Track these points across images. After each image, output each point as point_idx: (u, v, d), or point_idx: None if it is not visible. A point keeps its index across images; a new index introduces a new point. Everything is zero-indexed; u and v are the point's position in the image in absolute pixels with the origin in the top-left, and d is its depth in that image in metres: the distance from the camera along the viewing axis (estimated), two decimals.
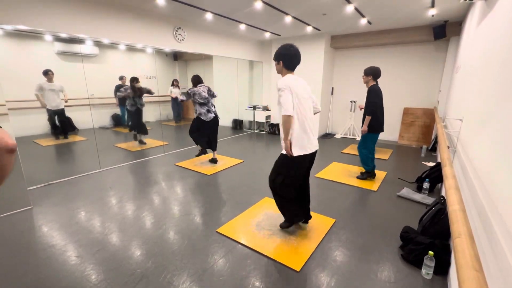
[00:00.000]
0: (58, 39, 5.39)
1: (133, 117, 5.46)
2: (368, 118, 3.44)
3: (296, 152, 2.04)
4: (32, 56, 5.52)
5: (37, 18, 3.12)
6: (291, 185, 2.21)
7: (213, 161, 4.47)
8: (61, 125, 5.61)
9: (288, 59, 2.09)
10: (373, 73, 3.42)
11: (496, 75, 1.48)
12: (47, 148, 5.28)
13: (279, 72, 2.17)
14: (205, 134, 4.25)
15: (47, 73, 5.04)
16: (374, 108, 3.40)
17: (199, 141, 4.29)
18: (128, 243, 2.23)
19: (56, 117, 5.43)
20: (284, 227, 2.43)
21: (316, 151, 2.20)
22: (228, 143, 6.00)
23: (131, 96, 5.17)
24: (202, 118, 4.12)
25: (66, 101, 5.34)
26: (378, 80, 3.49)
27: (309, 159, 2.18)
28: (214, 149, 4.42)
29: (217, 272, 1.89)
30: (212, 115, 4.16)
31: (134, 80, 5.15)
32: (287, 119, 1.96)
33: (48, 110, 5.26)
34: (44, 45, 5.71)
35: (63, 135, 5.78)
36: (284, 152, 2.10)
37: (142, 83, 5.21)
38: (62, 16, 3.32)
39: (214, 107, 4.26)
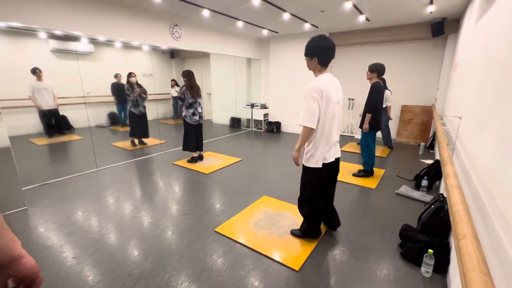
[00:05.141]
0: (53, 36, 5.31)
1: (138, 120, 5.10)
2: (368, 116, 3.42)
3: (313, 163, 1.96)
4: (26, 54, 5.43)
5: (31, 15, 3.06)
6: (316, 195, 2.10)
7: (200, 157, 4.45)
8: (56, 124, 5.53)
9: (323, 53, 1.83)
10: (378, 70, 3.38)
11: (497, 72, 1.46)
12: (42, 147, 5.21)
13: (311, 68, 1.95)
14: (192, 137, 4.19)
15: (35, 72, 4.92)
16: (374, 106, 3.38)
17: (191, 146, 4.24)
18: (125, 244, 2.20)
19: (50, 117, 5.36)
20: (296, 235, 2.29)
21: (337, 158, 2.09)
22: (226, 142, 5.96)
23: (130, 95, 4.88)
24: (187, 120, 4.08)
25: (57, 104, 5.23)
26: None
27: (327, 168, 2.03)
28: (201, 149, 4.41)
29: (215, 272, 1.88)
30: (197, 118, 4.09)
31: (130, 75, 4.88)
32: (308, 131, 1.85)
33: (41, 111, 5.18)
34: (38, 43, 5.62)
35: (58, 133, 5.71)
36: (304, 162, 2.03)
37: (139, 81, 5.10)
38: (57, 13, 3.26)
39: (200, 108, 4.16)
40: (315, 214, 2.16)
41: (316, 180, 2.04)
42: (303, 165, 2.06)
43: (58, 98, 5.48)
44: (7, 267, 0.53)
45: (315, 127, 1.86)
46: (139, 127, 5.23)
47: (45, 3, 3.15)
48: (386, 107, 4.93)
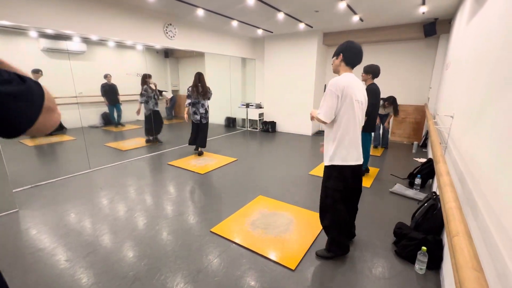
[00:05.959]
0: (44, 35, 5.22)
1: (155, 118, 5.34)
2: (364, 119, 3.44)
3: (336, 161, 1.84)
4: (16, 53, 5.32)
5: (21, 13, 3.00)
6: (339, 202, 1.94)
7: (199, 153, 4.78)
8: None
9: (350, 53, 1.82)
10: (373, 72, 3.40)
11: (488, 72, 1.49)
12: (33, 148, 5.12)
13: (335, 70, 1.91)
14: (193, 133, 4.66)
15: (37, 72, 4.85)
16: (371, 109, 3.41)
17: (190, 141, 4.74)
18: (120, 245, 2.17)
19: None
20: (322, 255, 2.05)
21: (359, 165, 1.92)
22: (221, 141, 5.95)
23: (151, 95, 5.10)
24: (191, 118, 4.50)
25: None
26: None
27: (351, 172, 1.90)
28: (199, 145, 4.74)
29: (211, 273, 1.87)
30: (198, 117, 4.44)
31: (150, 77, 5.10)
32: (321, 121, 1.86)
33: None
34: (28, 42, 5.51)
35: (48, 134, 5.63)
36: (326, 163, 1.91)
37: (132, 80, 5.09)
38: (48, 11, 3.20)
39: (204, 109, 4.47)
40: (338, 224, 1.96)
41: (339, 184, 1.89)
42: (325, 168, 1.93)
43: None
44: None
45: (329, 121, 1.82)
46: (154, 124, 5.41)
47: (36, 1, 3.09)
48: (388, 114, 5.09)
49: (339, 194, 1.91)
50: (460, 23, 3.40)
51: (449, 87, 3.32)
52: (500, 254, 0.84)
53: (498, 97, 1.19)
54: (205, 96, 4.37)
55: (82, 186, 3.36)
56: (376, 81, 3.54)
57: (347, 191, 1.94)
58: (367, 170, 3.78)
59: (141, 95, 5.04)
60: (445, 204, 1.10)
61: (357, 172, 1.95)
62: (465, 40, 2.66)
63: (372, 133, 3.67)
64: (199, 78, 4.31)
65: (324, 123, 1.87)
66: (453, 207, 1.00)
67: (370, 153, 4.82)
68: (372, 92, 3.40)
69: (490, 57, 1.49)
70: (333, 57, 1.92)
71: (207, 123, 4.58)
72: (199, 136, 4.61)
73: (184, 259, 2.00)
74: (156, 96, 5.20)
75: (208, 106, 4.54)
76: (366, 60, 3.51)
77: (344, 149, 1.83)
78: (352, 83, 1.79)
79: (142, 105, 5.12)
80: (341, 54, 1.83)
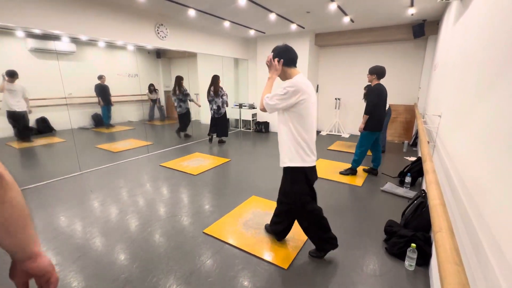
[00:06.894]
0: (31, 35, 5.10)
1: (188, 117, 5.98)
2: (365, 117, 3.50)
3: (298, 162, 1.79)
4: (1, 54, 5.19)
5: (7, 13, 2.93)
6: (309, 202, 1.92)
7: (220, 141, 5.76)
8: (23, 128, 5.16)
9: (284, 52, 1.76)
10: (377, 72, 3.48)
11: (474, 72, 1.54)
12: (21, 151, 5.00)
13: (286, 77, 1.83)
14: (210, 124, 5.60)
15: (12, 76, 4.63)
16: (371, 108, 3.47)
17: (210, 131, 5.66)
18: (111, 248, 2.15)
19: (17, 120, 4.99)
20: (315, 256, 2.06)
21: (315, 166, 1.91)
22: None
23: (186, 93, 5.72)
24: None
25: (30, 111, 4.96)
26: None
27: (313, 171, 1.90)
28: (219, 136, 5.66)
29: (204, 274, 1.87)
30: (212, 112, 5.40)
31: (182, 78, 5.62)
32: (262, 105, 1.81)
33: (7, 112, 4.86)
34: (15, 42, 5.38)
35: (27, 138, 5.35)
36: (285, 164, 1.84)
37: (125, 81, 5.04)
38: (35, 11, 3.13)
39: (216, 106, 5.30)
40: (316, 223, 1.94)
41: (306, 187, 1.88)
42: (289, 171, 1.87)
43: (38, 99, 5.26)
44: (24, 263, 0.59)
45: (269, 111, 1.80)
46: (188, 121, 6.09)
47: (23, 0, 3.02)
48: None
49: (308, 198, 1.90)
50: (447, 24, 3.49)
51: (437, 88, 3.40)
52: (483, 248, 0.87)
53: (485, 96, 1.23)
54: (216, 95, 5.18)
55: (72, 189, 3.30)
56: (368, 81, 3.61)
57: (312, 190, 1.95)
58: (355, 172, 3.82)
59: (187, 95, 5.68)
60: (430, 201, 1.13)
61: (314, 173, 1.92)
62: (452, 41, 2.73)
63: (374, 134, 3.66)
64: (212, 80, 5.15)
65: (263, 109, 1.81)
66: (437, 204, 1.03)
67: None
68: (375, 92, 3.47)
69: (476, 57, 1.54)
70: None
71: (220, 117, 5.41)
72: (218, 128, 5.51)
73: (176, 261, 1.99)
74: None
75: (221, 104, 5.29)
76: (359, 61, 3.58)
77: (310, 151, 1.81)
78: (308, 84, 1.77)
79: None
80: (282, 60, 1.75)
